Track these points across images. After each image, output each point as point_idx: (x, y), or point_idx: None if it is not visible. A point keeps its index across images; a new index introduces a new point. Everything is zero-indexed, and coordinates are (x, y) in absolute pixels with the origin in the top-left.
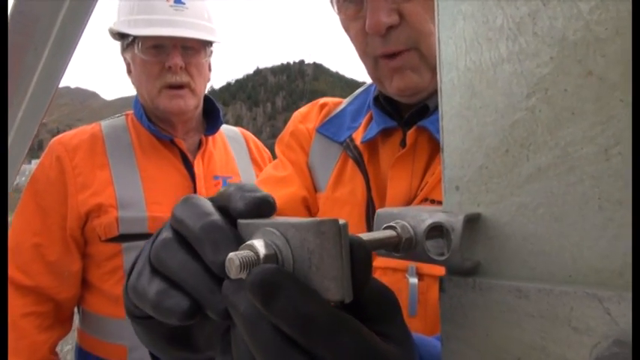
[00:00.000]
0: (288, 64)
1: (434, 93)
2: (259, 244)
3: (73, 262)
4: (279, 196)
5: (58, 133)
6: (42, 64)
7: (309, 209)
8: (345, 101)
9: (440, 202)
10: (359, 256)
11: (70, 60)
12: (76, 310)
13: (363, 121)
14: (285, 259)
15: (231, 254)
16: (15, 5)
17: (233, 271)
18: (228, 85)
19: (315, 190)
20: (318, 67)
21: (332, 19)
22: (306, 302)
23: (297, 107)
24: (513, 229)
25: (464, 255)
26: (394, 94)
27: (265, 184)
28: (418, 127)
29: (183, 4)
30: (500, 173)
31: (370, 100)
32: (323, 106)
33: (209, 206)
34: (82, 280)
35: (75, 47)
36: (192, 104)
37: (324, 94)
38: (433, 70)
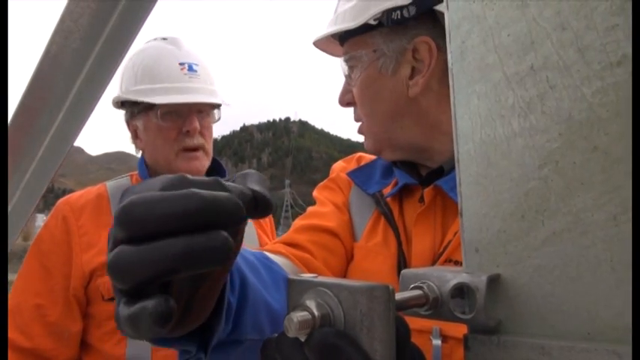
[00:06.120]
0: (274, 121)
1: (449, 157)
2: (312, 305)
3: (74, 322)
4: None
5: None
6: (54, 128)
7: (344, 245)
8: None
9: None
10: (401, 330)
11: (83, 125)
12: None
13: (394, 181)
14: (336, 319)
15: (290, 314)
16: (36, 68)
17: (292, 330)
18: (215, 141)
19: (353, 237)
20: (303, 125)
21: (317, 77)
22: None
23: (283, 163)
24: (532, 289)
25: (488, 313)
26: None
27: (303, 218)
28: (435, 185)
29: (196, 71)
30: (517, 237)
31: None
32: (360, 158)
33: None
34: (80, 341)
35: (90, 112)
36: (206, 165)
37: (309, 151)
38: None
